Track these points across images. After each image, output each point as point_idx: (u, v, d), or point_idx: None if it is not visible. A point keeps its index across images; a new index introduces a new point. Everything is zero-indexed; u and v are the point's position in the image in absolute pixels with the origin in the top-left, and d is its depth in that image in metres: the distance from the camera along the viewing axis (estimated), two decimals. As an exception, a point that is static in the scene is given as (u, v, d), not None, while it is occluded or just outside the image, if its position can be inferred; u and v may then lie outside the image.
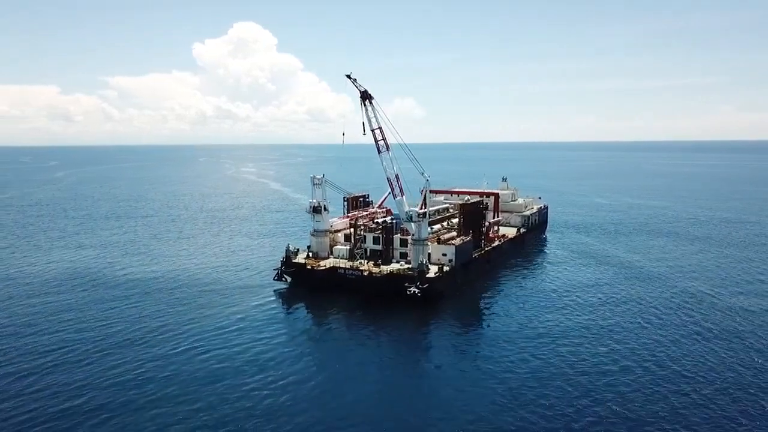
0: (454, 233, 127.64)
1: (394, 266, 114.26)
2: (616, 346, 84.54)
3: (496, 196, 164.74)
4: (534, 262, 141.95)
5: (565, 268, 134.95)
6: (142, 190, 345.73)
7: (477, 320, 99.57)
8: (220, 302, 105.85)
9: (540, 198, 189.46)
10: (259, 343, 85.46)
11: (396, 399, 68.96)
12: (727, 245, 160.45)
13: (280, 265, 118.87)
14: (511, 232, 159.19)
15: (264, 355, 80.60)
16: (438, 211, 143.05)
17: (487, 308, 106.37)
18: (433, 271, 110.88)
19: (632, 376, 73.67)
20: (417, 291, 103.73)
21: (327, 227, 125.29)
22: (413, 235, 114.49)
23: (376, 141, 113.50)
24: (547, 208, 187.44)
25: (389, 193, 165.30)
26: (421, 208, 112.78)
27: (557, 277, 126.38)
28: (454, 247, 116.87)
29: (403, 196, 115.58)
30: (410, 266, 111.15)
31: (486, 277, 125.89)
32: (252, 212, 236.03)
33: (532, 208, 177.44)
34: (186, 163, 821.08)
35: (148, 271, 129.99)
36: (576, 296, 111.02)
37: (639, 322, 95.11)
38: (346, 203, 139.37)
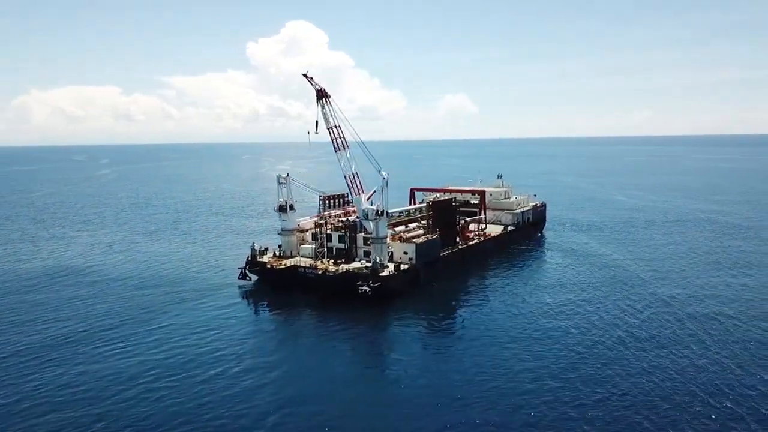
0: (422, 231, 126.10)
1: (354, 265, 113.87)
2: (570, 352, 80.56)
3: (482, 193, 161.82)
4: (515, 262, 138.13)
5: (546, 268, 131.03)
6: (162, 188, 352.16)
7: (430, 319, 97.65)
8: (181, 301, 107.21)
9: (535, 196, 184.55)
10: (201, 342, 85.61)
11: (337, 396, 69.27)
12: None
13: (244, 264, 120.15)
14: (498, 230, 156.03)
15: (206, 356, 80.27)
16: (411, 211, 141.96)
17: (445, 307, 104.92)
18: (389, 269, 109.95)
19: (584, 379, 71.11)
20: (368, 290, 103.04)
21: (294, 226, 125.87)
22: (371, 233, 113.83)
23: (333, 139, 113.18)
24: (544, 205, 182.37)
25: (374, 192, 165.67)
26: (378, 207, 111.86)
27: (534, 277, 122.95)
28: (414, 245, 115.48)
29: (362, 195, 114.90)
30: (367, 265, 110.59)
31: (456, 277, 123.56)
32: (241, 210, 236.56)
33: (526, 206, 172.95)
34: (228, 160, 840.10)
35: (121, 270, 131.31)
36: (546, 298, 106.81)
37: (601, 331, 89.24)
38: (321, 202, 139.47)
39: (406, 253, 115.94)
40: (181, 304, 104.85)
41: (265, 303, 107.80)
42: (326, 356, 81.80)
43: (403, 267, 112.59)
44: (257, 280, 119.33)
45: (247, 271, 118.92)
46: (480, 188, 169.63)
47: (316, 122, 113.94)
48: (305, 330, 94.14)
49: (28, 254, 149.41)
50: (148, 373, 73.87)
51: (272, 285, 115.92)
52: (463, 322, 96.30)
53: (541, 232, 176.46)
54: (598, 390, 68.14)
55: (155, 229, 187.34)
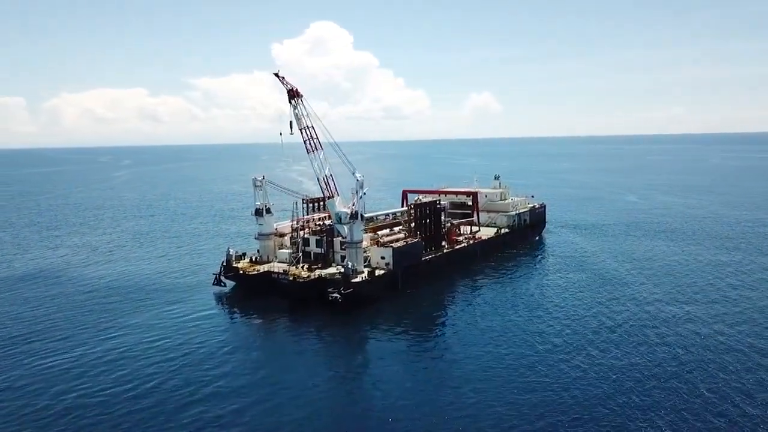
0: (402, 235, 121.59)
1: (328, 270, 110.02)
2: (540, 371, 74.86)
3: (475, 195, 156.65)
4: (504, 267, 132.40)
5: (535, 275, 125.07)
6: (169, 190, 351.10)
7: (402, 327, 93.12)
8: (149, 307, 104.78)
9: (533, 197, 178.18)
10: (160, 352, 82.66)
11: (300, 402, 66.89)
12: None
13: (219, 270, 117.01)
14: (490, 232, 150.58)
15: (165, 366, 77.68)
16: (398, 214, 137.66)
17: (420, 314, 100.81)
18: (363, 275, 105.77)
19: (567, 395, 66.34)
20: (338, 296, 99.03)
21: (271, 230, 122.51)
22: (345, 237, 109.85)
23: (305, 141, 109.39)
24: (544, 207, 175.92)
25: (363, 193, 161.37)
26: (352, 209, 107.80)
27: (519, 285, 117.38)
28: (391, 249, 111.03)
29: (337, 197, 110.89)
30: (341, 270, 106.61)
31: (440, 282, 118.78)
32: (240, 213, 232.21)
33: (523, 207, 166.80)
34: (247, 161, 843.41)
35: (97, 274, 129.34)
36: (529, 307, 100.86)
37: (583, 343, 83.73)
38: (304, 205, 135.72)
39: (383, 257, 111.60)
40: (148, 310, 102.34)
41: (235, 310, 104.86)
42: (288, 365, 78.68)
43: (378, 272, 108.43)
44: (233, 286, 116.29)
45: (221, 277, 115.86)
46: (473, 189, 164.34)
47: (290, 123, 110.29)
48: (270, 338, 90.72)
49: (9, 257, 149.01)
50: (105, 383, 71.82)
51: (247, 291, 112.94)
52: (436, 330, 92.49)
53: (540, 235, 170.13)
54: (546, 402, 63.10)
55: (146, 231, 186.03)
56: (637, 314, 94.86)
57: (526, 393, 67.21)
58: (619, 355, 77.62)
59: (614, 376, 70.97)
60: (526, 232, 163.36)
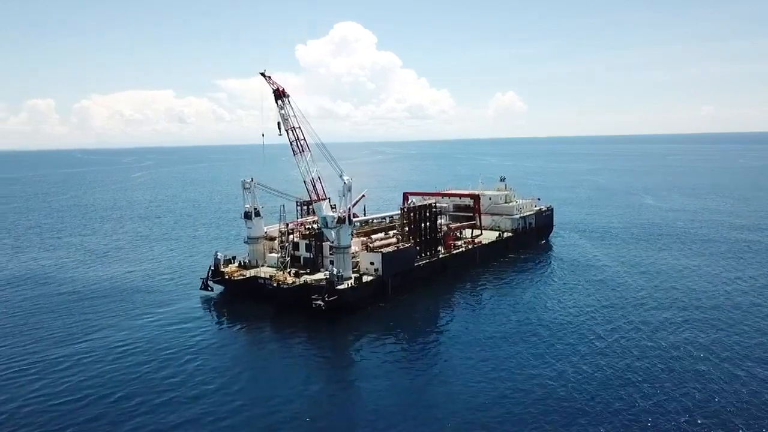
0: (394, 239, 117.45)
1: (315, 276, 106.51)
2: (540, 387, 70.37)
3: (476, 197, 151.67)
4: (503, 273, 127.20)
5: (536, 282, 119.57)
6: (180, 191, 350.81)
7: (388, 336, 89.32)
8: (134, 310, 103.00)
9: (539, 199, 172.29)
10: (138, 358, 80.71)
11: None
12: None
13: (206, 274, 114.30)
14: (492, 236, 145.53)
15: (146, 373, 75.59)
16: (396, 218, 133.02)
17: (409, 323, 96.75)
18: (350, 282, 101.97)
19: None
20: (321, 304, 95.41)
21: (260, 234, 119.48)
22: (332, 242, 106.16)
23: (291, 142, 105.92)
24: (551, 210, 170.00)
25: (362, 196, 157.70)
26: (340, 213, 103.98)
27: (518, 292, 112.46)
28: (380, 255, 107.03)
29: (324, 201, 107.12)
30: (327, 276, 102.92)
31: (434, 288, 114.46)
32: (238, 215, 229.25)
33: (530, 210, 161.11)
34: (266, 162, 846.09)
35: (88, 277, 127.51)
36: (526, 316, 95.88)
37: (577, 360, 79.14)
38: (298, 208, 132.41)
39: (372, 263, 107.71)
40: (128, 313, 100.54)
41: (217, 316, 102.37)
42: (262, 375, 75.85)
43: (366, 279, 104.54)
44: (221, 290, 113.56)
45: (208, 282, 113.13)
46: (476, 192, 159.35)
47: (278, 123, 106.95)
48: (248, 346, 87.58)
49: (4, 259, 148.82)
50: (85, 385, 71.21)
51: (234, 296, 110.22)
52: (424, 341, 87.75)
53: (547, 239, 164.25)
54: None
55: (146, 234, 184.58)
56: (649, 342, 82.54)
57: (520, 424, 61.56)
58: (624, 395, 67.09)
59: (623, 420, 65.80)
60: (532, 236, 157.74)
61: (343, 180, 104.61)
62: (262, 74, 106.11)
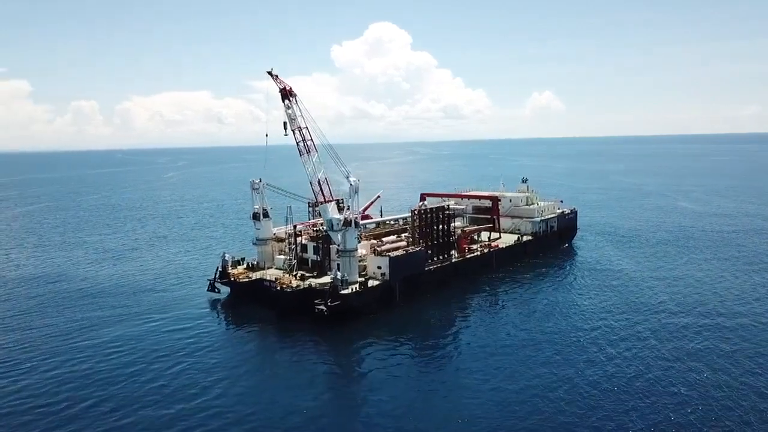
0: (404, 242, 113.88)
1: (321, 280, 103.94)
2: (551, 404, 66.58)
3: (494, 199, 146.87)
4: (521, 278, 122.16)
5: (556, 289, 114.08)
6: (207, 191, 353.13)
7: (393, 344, 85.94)
8: (140, 310, 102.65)
9: (562, 202, 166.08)
10: (139, 359, 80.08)
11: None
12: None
13: (214, 275, 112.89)
14: (510, 240, 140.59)
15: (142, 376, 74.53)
16: (392, 222, 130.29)
17: (416, 331, 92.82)
18: (355, 286, 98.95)
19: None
20: (324, 309, 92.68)
21: (269, 235, 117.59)
22: (338, 245, 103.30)
23: (298, 142, 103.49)
24: (575, 213, 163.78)
25: (377, 197, 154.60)
26: (347, 215, 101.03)
27: (536, 299, 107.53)
28: (388, 258, 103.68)
29: (331, 203, 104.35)
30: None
31: (444, 294, 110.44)
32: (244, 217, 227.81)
33: (551, 213, 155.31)
34: (296, 161, 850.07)
35: (98, 277, 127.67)
36: (542, 327, 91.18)
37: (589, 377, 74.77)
38: (310, 209, 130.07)
39: (379, 267, 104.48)
40: (134, 314, 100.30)
41: (220, 319, 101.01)
42: (258, 382, 73.74)
43: (372, 283, 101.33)
44: (229, 292, 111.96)
45: (215, 283, 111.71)
46: (495, 193, 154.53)
47: (284, 123, 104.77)
48: (247, 351, 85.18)
49: (24, 256, 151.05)
50: (88, 387, 70.86)
51: (240, 299, 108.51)
52: (429, 350, 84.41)
53: (570, 243, 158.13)
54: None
55: (165, 234, 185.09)
56: (669, 360, 76.45)
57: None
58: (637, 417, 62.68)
59: None
60: (554, 240, 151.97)
61: (349, 182, 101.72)
62: (269, 73, 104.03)
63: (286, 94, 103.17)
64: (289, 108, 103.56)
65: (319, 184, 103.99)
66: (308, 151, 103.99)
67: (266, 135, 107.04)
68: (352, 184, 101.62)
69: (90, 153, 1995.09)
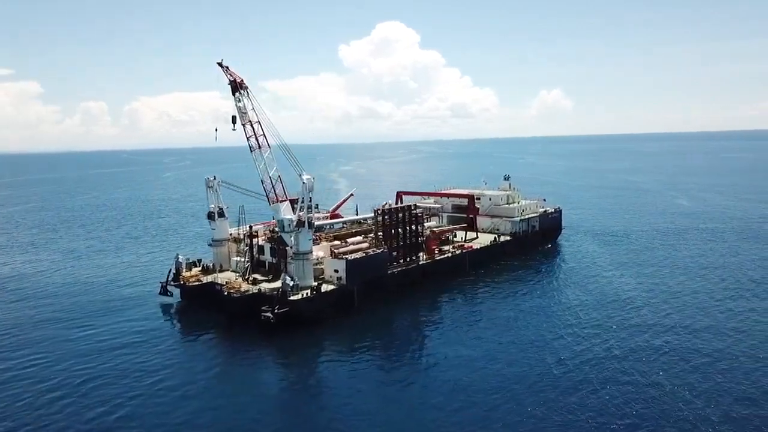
0: (366, 244, 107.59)
1: (275, 284, 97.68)
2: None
3: (471, 197, 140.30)
4: (496, 280, 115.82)
5: (529, 292, 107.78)
6: (198, 191, 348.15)
7: (347, 354, 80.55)
8: (87, 315, 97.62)
9: (545, 200, 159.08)
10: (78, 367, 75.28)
11: None
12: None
13: (166, 278, 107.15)
14: (486, 240, 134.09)
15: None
16: (361, 221, 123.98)
17: (374, 338, 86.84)
18: (307, 291, 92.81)
19: None
20: (270, 316, 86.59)
21: (224, 236, 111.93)
22: (291, 247, 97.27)
23: (249, 137, 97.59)
24: (559, 212, 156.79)
25: (350, 195, 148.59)
26: (299, 216, 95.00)
27: (505, 304, 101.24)
28: (345, 261, 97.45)
29: (284, 202, 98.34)
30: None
31: (409, 299, 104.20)
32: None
33: (533, 212, 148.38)
34: (302, 161, 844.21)
35: (52, 279, 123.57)
36: (508, 336, 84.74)
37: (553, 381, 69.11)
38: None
39: (336, 270, 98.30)
40: (74, 323, 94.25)
41: (166, 324, 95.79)
42: (200, 394, 68.28)
43: (326, 288, 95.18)
44: (180, 296, 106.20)
45: (168, 286, 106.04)
46: (473, 192, 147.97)
47: (233, 117, 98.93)
48: (188, 360, 79.34)
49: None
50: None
51: (192, 303, 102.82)
52: (386, 360, 78.30)
53: (553, 243, 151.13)
54: None
55: (138, 235, 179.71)
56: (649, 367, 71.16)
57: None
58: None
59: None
60: (535, 240, 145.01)
61: (302, 180, 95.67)
62: (219, 64, 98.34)
63: (237, 86, 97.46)
64: (239, 101, 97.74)
65: (272, 181, 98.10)
66: (260, 147, 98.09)
67: (216, 130, 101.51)
68: (305, 182, 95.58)
69: (97, 153, 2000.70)
